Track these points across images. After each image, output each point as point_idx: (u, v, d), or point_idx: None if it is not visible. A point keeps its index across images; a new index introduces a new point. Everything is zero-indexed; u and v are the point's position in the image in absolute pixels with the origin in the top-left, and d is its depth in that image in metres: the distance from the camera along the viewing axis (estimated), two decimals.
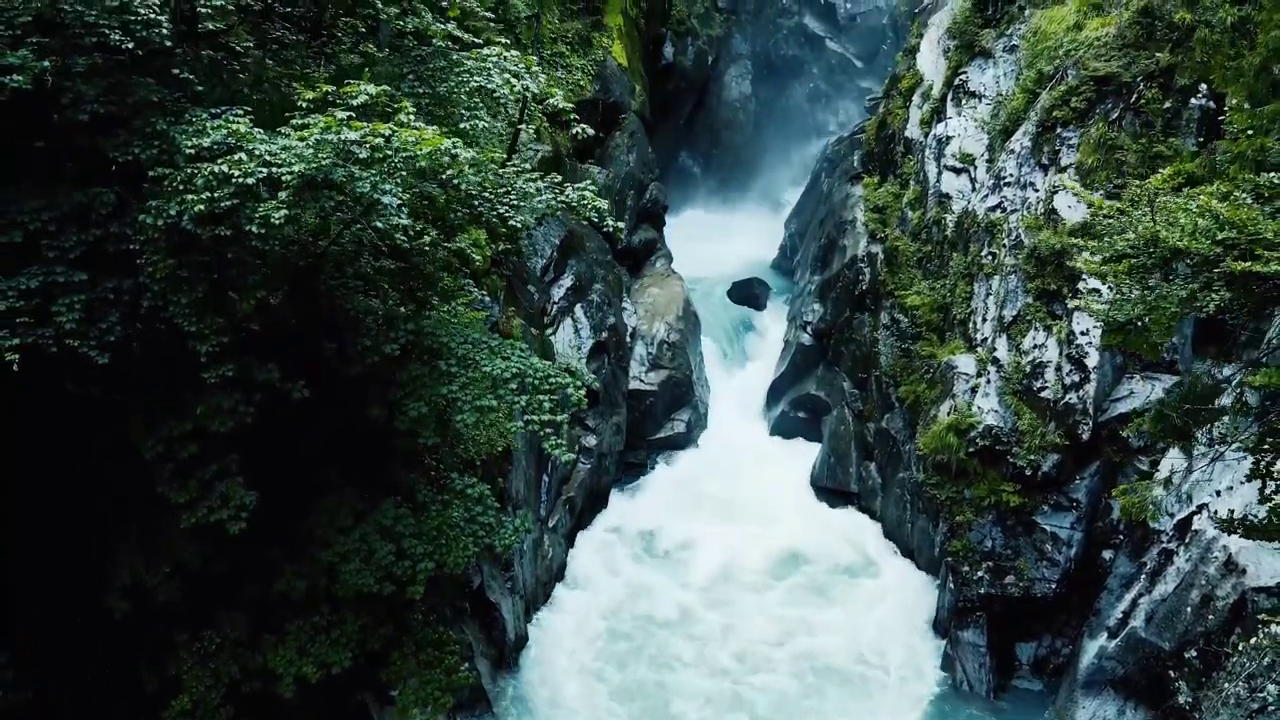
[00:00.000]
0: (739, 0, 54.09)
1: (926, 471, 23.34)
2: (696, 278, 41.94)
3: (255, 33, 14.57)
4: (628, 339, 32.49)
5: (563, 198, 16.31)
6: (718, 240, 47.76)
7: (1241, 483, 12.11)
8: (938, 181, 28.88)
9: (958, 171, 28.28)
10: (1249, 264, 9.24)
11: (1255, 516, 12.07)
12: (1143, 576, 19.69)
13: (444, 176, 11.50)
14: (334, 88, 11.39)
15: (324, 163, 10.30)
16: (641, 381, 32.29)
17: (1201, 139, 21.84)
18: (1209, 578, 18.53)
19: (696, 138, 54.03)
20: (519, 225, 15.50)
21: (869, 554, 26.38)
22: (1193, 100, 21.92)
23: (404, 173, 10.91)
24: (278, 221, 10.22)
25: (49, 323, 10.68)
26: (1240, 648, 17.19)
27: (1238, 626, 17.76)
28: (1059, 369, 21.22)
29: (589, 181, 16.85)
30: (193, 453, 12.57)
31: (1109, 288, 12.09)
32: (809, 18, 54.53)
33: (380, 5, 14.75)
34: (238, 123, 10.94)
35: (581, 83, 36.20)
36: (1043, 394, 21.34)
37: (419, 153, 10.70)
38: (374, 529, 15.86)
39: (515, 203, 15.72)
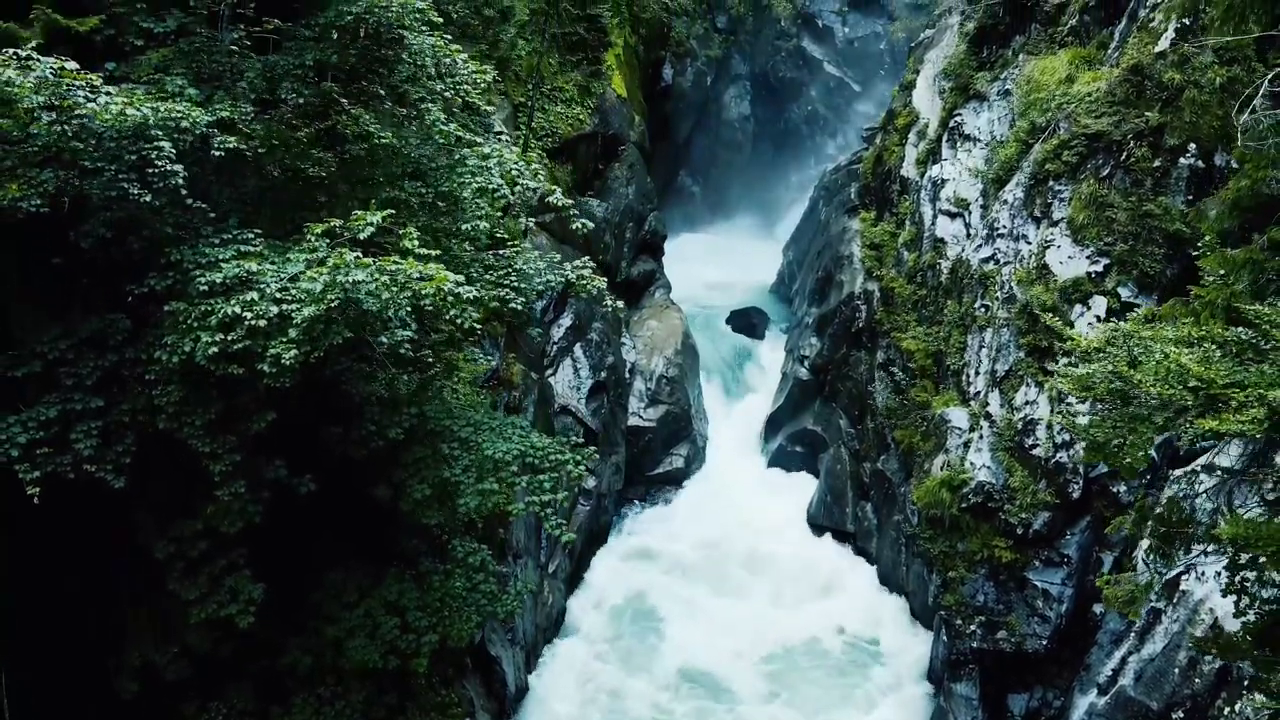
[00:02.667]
0: (738, 22, 54.41)
1: (920, 525, 23.71)
2: (695, 303, 42.28)
3: (261, 120, 14.90)
4: (626, 375, 32.81)
5: (562, 276, 16.71)
6: (717, 263, 48.06)
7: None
8: (933, 225, 29.20)
9: (953, 216, 28.59)
10: (1216, 423, 9.61)
11: (1229, 631, 12.43)
12: (1132, 634, 20.06)
13: (448, 316, 11.87)
14: (341, 221, 11.75)
15: (333, 305, 10.66)
16: (640, 418, 32.64)
17: (1190, 198, 22.18)
18: (1196, 639, 18.89)
19: (695, 157, 54.41)
20: (519, 308, 15.86)
21: (868, 613, 26.33)
22: (1182, 160, 22.23)
23: (408, 309, 11.29)
24: (288, 362, 10.60)
25: (67, 449, 11.06)
26: (1225, 713, 17.57)
27: (1223, 691, 18.13)
28: (1050, 427, 21.55)
29: (586, 258, 17.25)
30: (202, 550, 12.94)
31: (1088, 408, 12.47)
32: (807, 40, 54.86)
33: (383, 93, 15.12)
34: (250, 251, 11.29)
35: (581, 116, 36.57)
36: (1034, 451, 21.69)
37: (424, 290, 11.07)
38: (379, 604, 16.26)
39: (515, 284, 16.11)
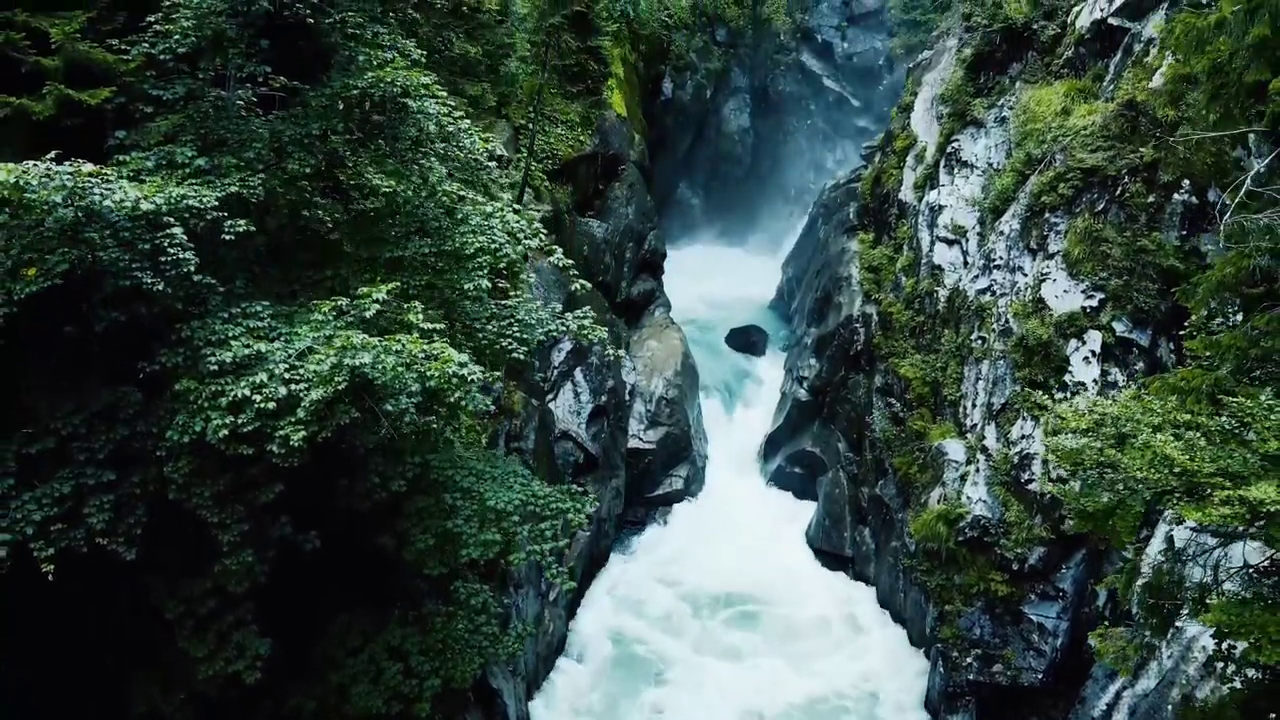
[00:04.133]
0: (737, 35, 54.66)
1: (918, 557, 23.96)
2: (695, 320, 42.52)
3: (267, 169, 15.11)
4: (626, 397, 33.00)
5: (563, 326, 16.95)
6: (717, 275, 48.35)
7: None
8: (930, 251, 29.44)
9: (950, 243, 28.84)
10: (1199, 514, 9.89)
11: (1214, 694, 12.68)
12: None
13: (452, 400, 12.15)
14: (347, 300, 12.01)
15: (341, 387, 10.92)
16: (640, 440, 32.83)
17: (1184, 233, 22.42)
18: (1189, 677, 19.09)
19: (695, 169, 54.68)
20: (521, 357, 16.10)
21: (867, 645, 26.36)
22: (1176, 196, 22.47)
23: (415, 388, 11.55)
24: (297, 443, 10.85)
25: (80, 523, 11.31)
26: None
27: None
28: (1045, 462, 21.78)
29: (587, 308, 17.48)
30: (210, 608, 13.19)
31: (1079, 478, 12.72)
32: (806, 55, 55.12)
33: (386, 149, 15.35)
34: (258, 326, 11.55)
35: (581, 137, 36.79)
36: (1029, 486, 21.94)
37: (429, 372, 11.33)
38: (382, 648, 16.44)
39: (518, 334, 16.35)
